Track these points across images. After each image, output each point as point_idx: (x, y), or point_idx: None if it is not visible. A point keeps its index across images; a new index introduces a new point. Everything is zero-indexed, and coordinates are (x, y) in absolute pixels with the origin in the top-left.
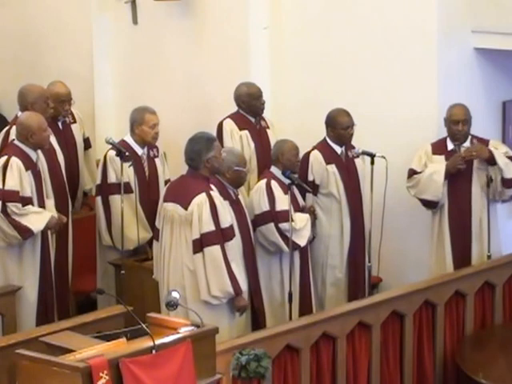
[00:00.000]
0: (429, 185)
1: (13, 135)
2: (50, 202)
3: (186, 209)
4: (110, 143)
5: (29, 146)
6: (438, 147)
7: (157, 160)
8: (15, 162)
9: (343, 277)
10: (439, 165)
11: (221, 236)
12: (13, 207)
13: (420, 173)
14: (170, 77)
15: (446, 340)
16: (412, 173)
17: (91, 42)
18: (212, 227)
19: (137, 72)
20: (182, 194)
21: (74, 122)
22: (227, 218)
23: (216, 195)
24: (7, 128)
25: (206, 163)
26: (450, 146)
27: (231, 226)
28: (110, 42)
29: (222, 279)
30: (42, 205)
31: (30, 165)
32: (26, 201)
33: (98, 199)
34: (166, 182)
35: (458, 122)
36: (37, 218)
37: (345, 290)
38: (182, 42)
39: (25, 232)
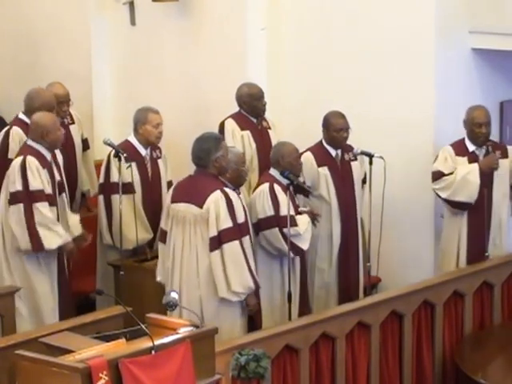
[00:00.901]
0: (464, 186)
1: (13, 135)
2: (75, 218)
3: (200, 207)
4: (108, 144)
5: (43, 145)
6: (459, 149)
7: (159, 161)
8: (32, 161)
9: (332, 281)
10: (471, 165)
11: (239, 231)
12: (41, 208)
13: (449, 174)
14: (168, 77)
15: (444, 340)
16: (440, 175)
17: (89, 42)
18: (230, 223)
19: (135, 73)
20: (194, 193)
21: (73, 122)
22: (242, 213)
23: (230, 191)
24: (7, 128)
25: (214, 162)
26: (471, 147)
27: (246, 222)
28: (108, 42)
29: (243, 274)
30: (54, 203)
31: (45, 163)
32: (49, 198)
33: (101, 198)
34: (168, 183)
35: (481, 125)
36: (54, 237)
37: (335, 293)
38: (179, 43)
39: (37, 245)
